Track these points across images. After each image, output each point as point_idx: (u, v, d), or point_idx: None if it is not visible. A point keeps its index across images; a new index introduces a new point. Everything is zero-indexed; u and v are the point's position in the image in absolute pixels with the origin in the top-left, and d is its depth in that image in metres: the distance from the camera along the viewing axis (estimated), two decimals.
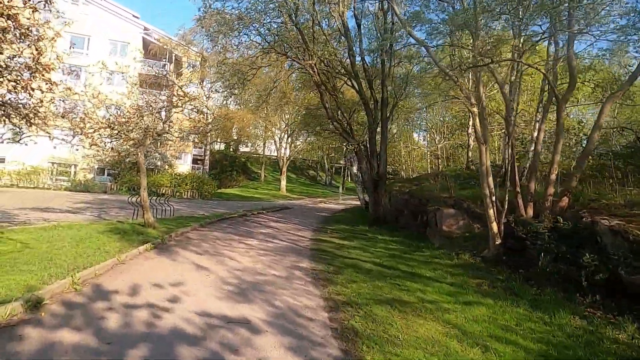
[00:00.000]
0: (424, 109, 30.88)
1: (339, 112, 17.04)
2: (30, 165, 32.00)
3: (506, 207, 10.15)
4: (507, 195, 10.22)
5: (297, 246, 11.18)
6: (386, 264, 9.34)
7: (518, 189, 10.45)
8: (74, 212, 15.68)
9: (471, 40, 9.64)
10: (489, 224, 10.22)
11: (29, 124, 8.61)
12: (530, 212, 10.45)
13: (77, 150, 34.01)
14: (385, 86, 16.54)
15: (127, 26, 37.39)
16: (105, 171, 36.08)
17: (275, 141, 49.96)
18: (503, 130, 18.98)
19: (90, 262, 6.73)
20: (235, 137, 54.46)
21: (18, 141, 9.05)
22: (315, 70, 15.08)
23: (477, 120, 10.28)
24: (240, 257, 8.80)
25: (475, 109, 10.19)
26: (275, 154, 73.11)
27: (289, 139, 47.20)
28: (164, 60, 40.34)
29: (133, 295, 5.53)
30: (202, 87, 50.94)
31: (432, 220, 13.80)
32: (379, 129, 17.07)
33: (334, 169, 74.43)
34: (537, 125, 11.57)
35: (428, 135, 31.76)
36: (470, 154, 24.04)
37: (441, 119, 28.89)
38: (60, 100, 11.30)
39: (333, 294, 6.55)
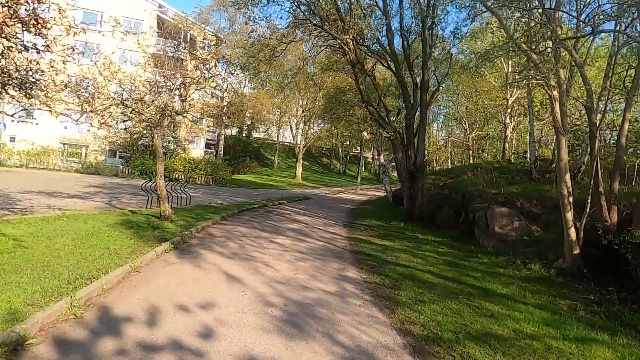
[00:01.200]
0: (445, 98, 29.00)
1: (377, 95, 15.36)
2: (40, 145, 30.91)
3: (587, 210, 8.53)
4: (589, 197, 8.58)
5: (335, 247, 9.70)
6: (446, 274, 7.81)
7: (601, 189, 8.80)
8: (82, 198, 14.39)
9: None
10: (565, 230, 8.60)
11: (28, 96, 7.14)
12: (615, 216, 8.81)
13: (88, 130, 32.94)
14: (426, 68, 14.80)
15: (142, 3, 35.78)
16: (117, 154, 34.94)
17: (291, 127, 48.34)
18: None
19: (97, 270, 5.32)
20: (249, 122, 52.93)
21: (12, 115, 7.57)
22: (351, 47, 13.40)
23: (557, 105, 8.59)
24: (275, 263, 7.33)
25: (555, 92, 8.50)
26: (288, 140, 71.79)
27: (306, 125, 45.55)
28: (179, 39, 38.79)
29: (152, 325, 4.09)
30: (217, 69, 49.24)
31: (480, 220, 12.20)
32: (417, 116, 15.38)
33: (348, 157, 72.77)
34: (622, 113, 9.84)
35: (447, 127, 29.91)
36: (507, 145, 22.25)
37: (465, 109, 27.00)
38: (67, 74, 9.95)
39: (406, 323, 5.06)
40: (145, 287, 5.22)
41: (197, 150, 44.83)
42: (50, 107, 6.79)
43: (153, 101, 9.26)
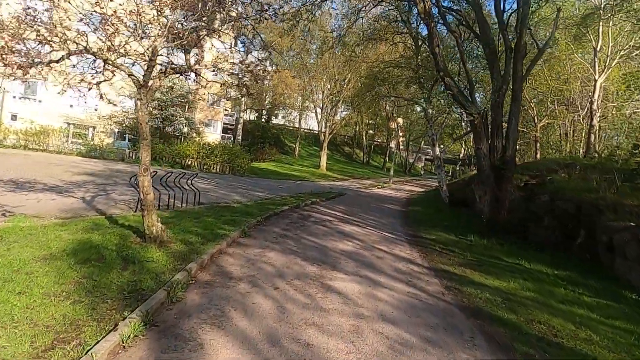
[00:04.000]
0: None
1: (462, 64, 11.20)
2: (39, 124, 27.70)
3: None
4: None
5: (428, 298, 5.77)
6: None
7: None
8: (59, 192, 10.88)
9: None
10: None
11: None
12: None
13: (95, 109, 29.54)
14: (524, 27, 10.59)
15: None
16: (126, 137, 31.61)
17: (316, 113, 44.29)
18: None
19: None
20: (269, 106, 49.01)
21: None
22: None
23: None
24: None
25: None
26: (309, 127, 67.68)
27: (334, 110, 41.37)
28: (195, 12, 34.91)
29: None
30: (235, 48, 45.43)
31: (629, 247, 8.12)
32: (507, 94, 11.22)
33: (372, 146, 68.49)
34: None
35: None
36: (592, 138, 17.87)
37: (534, 92, 22.44)
38: None
39: None
40: None
41: (213, 135, 41.33)
42: None
43: (127, 43, 5.42)
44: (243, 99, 39.07)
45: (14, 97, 30.78)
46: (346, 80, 38.41)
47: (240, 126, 40.31)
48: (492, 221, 11.32)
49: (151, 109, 27.19)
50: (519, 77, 11.05)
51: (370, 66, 23.35)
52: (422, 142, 70.62)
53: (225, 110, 45.53)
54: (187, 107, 32.25)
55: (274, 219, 10.24)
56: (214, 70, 6.76)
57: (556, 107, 20.33)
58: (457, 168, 36.26)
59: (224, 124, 45.36)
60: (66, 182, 13.23)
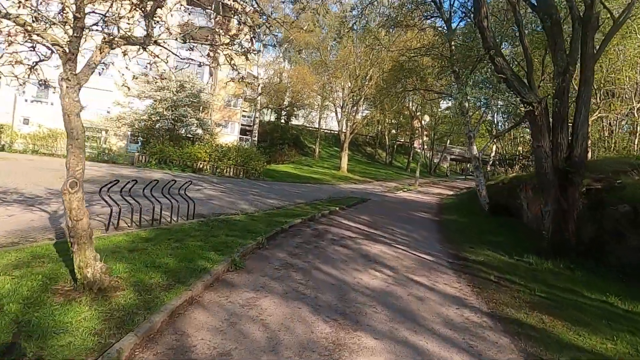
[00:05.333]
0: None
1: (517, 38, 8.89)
2: (47, 128, 26.62)
3: None
4: None
5: None
6: None
7: None
8: (32, 205, 9.27)
9: None
10: None
11: None
12: None
13: (108, 112, 28.30)
14: None
15: None
16: (139, 140, 30.23)
17: (336, 111, 42.20)
18: None
19: None
20: (288, 106, 47.15)
21: None
22: None
23: None
24: None
25: None
26: (329, 127, 65.53)
27: (354, 108, 39.13)
28: (210, 8, 33.43)
29: None
30: (252, 46, 43.60)
31: None
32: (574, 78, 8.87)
33: (395, 146, 65.86)
34: None
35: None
36: None
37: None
38: None
39: None
40: None
41: (230, 136, 39.83)
42: None
43: None
44: (258, 97, 37.38)
45: (26, 100, 29.95)
46: (367, 77, 36.19)
47: (256, 127, 38.55)
48: (556, 238, 8.95)
49: (162, 109, 25.70)
50: (589, 55, 8.67)
51: (395, 56, 21.08)
52: (448, 141, 67.53)
53: (244, 111, 44.00)
54: (200, 107, 30.73)
55: (280, 239, 8.20)
56: (185, 42, 4.79)
57: (610, 98, 17.58)
58: (488, 169, 33.47)
59: (242, 125, 43.83)
60: (50, 191, 11.60)
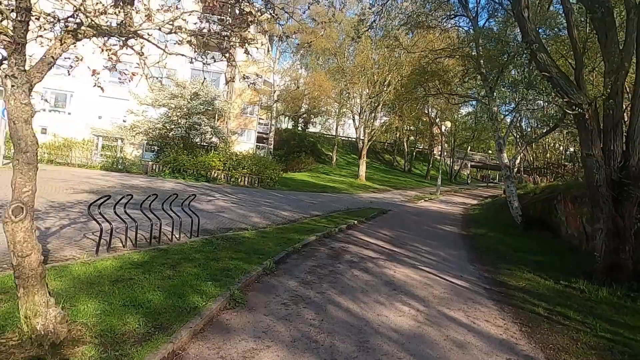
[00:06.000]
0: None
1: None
2: (62, 137, 26.47)
3: None
4: None
5: None
6: None
7: None
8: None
9: None
10: None
11: None
12: None
13: (124, 120, 28.01)
14: None
15: None
16: (154, 148, 29.86)
17: (353, 118, 41.24)
18: None
19: None
20: (304, 113, 46.47)
21: None
22: None
23: None
24: None
25: None
26: (347, 134, 64.57)
27: (372, 115, 38.07)
28: (225, 15, 33.04)
29: None
30: (269, 52, 43.39)
31: None
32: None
33: (414, 153, 64.42)
34: None
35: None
36: None
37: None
38: None
39: None
40: None
41: (247, 144, 39.31)
42: None
43: None
44: (274, 104, 36.76)
45: (44, 110, 30.01)
46: (386, 83, 35.16)
47: (272, 134, 37.89)
48: (610, 261, 7.73)
49: (176, 118, 25.22)
50: None
51: (415, 59, 20.03)
52: (469, 147, 65.70)
53: (260, 119, 43.54)
54: (216, 115, 30.24)
55: (291, 261, 7.23)
56: (170, 32, 3.93)
57: None
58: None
59: (259, 133, 43.35)
60: (52, 203, 10.98)
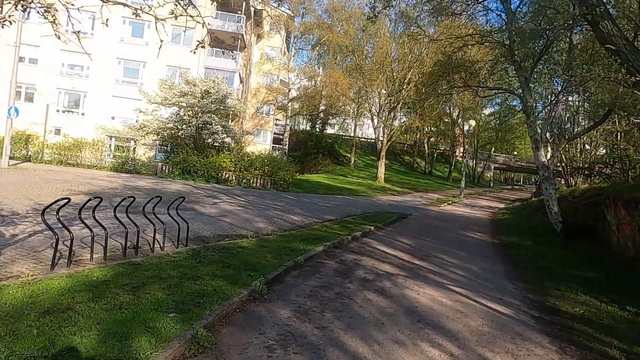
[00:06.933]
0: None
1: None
2: (72, 137, 25.90)
3: None
4: None
5: None
6: None
7: None
8: None
9: None
10: None
11: None
12: None
13: (137, 120, 27.29)
14: None
15: None
16: (166, 149, 29.04)
17: (372, 118, 39.73)
18: None
19: None
20: (321, 111, 45.15)
21: None
22: None
23: None
24: None
25: None
26: (366, 135, 62.94)
27: (391, 114, 36.47)
28: (239, 13, 32.13)
29: None
30: (285, 49, 42.34)
31: None
32: None
33: (435, 155, 62.37)
34: None
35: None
36: None
37: None
38: None
39: None
40: None
41: (263, 145, 38.35)
42: None
43: None
44: (289, 103, 35.60)
45: (57, 110, 29.69)
46: (406, 80, 33.55)
47: (287, 134, 36.73)
48: None
49: (187, 117, 24.27)
50: None
51: (439, 51, 18.47)
52: (492, 148, 63.18)
53: (277, 119, 42.56)
54: (230, 115, 29.27)
55: (290, 279, 5.90)
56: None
57: None
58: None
59: (275, 134, 42.37)
60: (36, 207, 9.97)
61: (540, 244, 11.51)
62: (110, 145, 28.65)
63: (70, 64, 29.79)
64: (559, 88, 13.06)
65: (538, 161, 12.30)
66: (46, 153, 25.23)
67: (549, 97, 14.20)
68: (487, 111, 60.94)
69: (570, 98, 12.37)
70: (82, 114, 30.12)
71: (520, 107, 16.48)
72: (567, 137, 14.51)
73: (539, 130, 12.44)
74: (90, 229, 6.07)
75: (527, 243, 11.73)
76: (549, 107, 13.22)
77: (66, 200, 5.64)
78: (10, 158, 22.76)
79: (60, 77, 29.19)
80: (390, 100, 34.75)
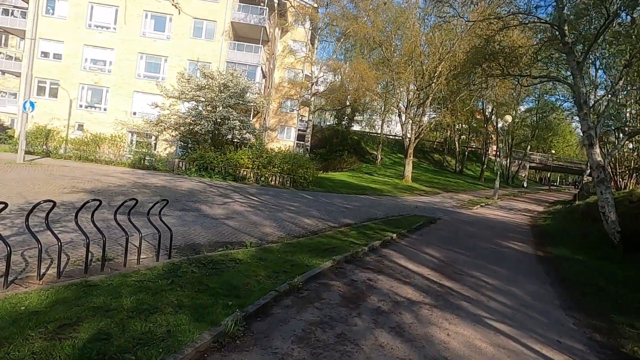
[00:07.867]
0: None
1: None
2: (91, 133, 25.57)
3: None
4: None
5: None
6: None
7: None
8: None
9: None
10: None
11: None
12: None
13: (157, 116, 26.69)
14: None
15: None
16: (186, 144, 28.38)
17: (399, 115, 37.94)
18: None
19: None
20: (347, 105, 43.68)
21: None
22: None
23: None
24: None
25: None
26: (394, 133, 60.88)
27: (420, 110, 34.57)
28: (262, 4, 31.07)
29: None
30: (309, 43, 40.97)
31: None
32: None
33: (466, 153, 59.67)
34: None
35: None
36: None
37: None
38: None
39: None
40: None
41: (287, 142, 37.41)
42: None
43: None
44: (312, 98, 34.33)
45: (80, 106, 29.63)
46: (436, 74, 31.60)
47: (309, 130, 35.48)
48: None
49: (206, 112, 23.40)
50: None
51: (477, 29, 16.63)
52: (528, 147, 59.86)
53: (302, 116, 41.43)
54: (251, 110, 28.33)
55: (280, 311, 4.57)
56: None
57: None
58: (585, 179, 27.37)
59: (300, 130, 41.26)
60: (24, 205, 9.11)
61: (595, 259, 9.74)
62: (131, 140, 28.28)
63: (94, 59, 29.68)
64: (618, 74, 11.16)
65: (592, 160, 10.46)
66: (66, 148, 25.03)
67: (606, 86, 12.28)
68: (522, 107, 57.86)
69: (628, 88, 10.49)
70: (105, 110, 29.93)
71: (562, 101, 14.55)
72: (628, 133, 12.51)
73: (592, 125, 10.57)
74: (58, 239, 5.04)
75: (578, 257, 9.95)
76: (609, 95, 11.26)
77: (51, 204, 4.65)
78: (29, 153, 22.59)
79: (83, 73, 29.08)
80: (419, 95, 32.89)
